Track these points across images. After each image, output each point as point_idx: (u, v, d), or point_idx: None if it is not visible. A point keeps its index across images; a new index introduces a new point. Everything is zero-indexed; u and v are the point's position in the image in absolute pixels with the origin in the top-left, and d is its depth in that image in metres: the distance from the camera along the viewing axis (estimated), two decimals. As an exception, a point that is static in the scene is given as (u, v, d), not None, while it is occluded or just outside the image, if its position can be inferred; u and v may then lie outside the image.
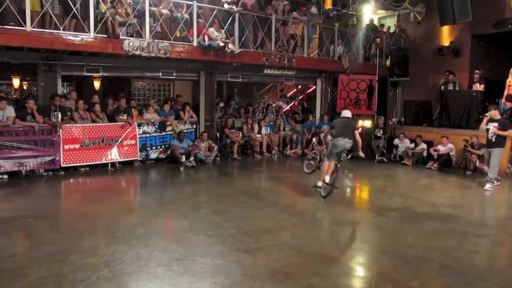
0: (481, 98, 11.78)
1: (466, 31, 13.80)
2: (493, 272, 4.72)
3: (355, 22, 15.17)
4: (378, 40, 14.37)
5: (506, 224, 6.62)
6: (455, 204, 7.60)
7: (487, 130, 8.91)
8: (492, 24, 12.86)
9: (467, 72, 13.44)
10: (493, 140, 8.81)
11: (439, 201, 7.80)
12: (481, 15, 12.69)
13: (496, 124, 8.79)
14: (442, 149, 11.21)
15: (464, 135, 10.97)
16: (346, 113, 8.27)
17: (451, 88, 12.79)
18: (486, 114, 9.07)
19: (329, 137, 7.99)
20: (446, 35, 14.44)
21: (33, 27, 8.76)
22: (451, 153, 11.14)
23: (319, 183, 7.71)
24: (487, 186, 8.81)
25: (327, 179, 7.57)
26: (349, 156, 9.73)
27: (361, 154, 8.42)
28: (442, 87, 12.97)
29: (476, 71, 12.36)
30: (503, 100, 11.31)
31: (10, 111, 8.86)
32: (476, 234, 5.94)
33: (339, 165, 7.70)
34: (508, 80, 11.13)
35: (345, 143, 7.68)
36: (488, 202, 8.33)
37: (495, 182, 8.87)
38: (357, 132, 7.96)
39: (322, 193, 7.65)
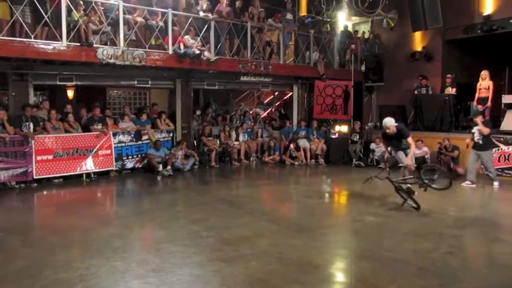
0: (453, 102, 12.05)
1: (437, 36, 14.13)
2: (469, 273, 4.78)
3: (329, 29, 15.36)
4: (353, 46, 14.57)
5: (480, 224, 6.74)
6: (432, 207, 7.70)
7: (473, 134, 9.23)
8: (462, 30, 13.21)
9: (440, 77, 13.73)
10: (480, 142, 9.13)
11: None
12: (452, 20, 13.02)
13: (479, 127, 9.14)
14: (417, 152, 11.36)
15: (438, 138, 11.20)
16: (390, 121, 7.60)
17: (424, 92, 13.03)
18: (475, 119, 9.43)
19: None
20: (418, 41, 14.75)
21: (2, 36, 8.55)
22: (426, 156, 11.31)
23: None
24: (495, 184, 9.26)
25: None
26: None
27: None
28: (416, 91, 13.21)
29: (448, 75, 12.65)
30: (474, 103, 11.62)
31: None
32: (452, 235, 6.03)
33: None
34: (478, 84, 11.45)
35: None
36: (463, 203, 8.46)
37: (469, 182, 9.17)
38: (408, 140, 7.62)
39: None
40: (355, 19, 16.59)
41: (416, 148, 11.29)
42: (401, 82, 14.76)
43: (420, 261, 4.96)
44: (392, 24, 14.70)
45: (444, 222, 6.75)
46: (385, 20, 14.71)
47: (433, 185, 7.20)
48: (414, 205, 7.23)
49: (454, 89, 12.30)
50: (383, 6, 13.14)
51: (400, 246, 5.51)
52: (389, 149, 8.19)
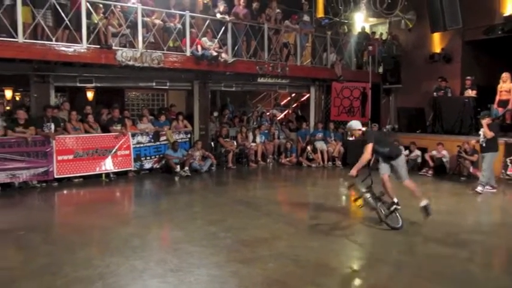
0: (473, 104, 11.86)
1: (456, 38, 13.93)
2: (488, 279, 4.70)
3: (346, 30, 15.29)
4: (370, 47, 14.47)
5: (500, 230, 6.63)
6: (450, 211, 7.61)
7: (479, 135, 9.04)
8: (482, 31, 12.99)
9: (459, 79, 13.53)
10: (484, 144, 8.91)
11: (434, 208, 7.73)
12: (472, 21, 12.82)
13: (484, 129, 8.94)
14: (436, 154, 11.24)
15: (458, 141, 11.03)
16: (356, 124, 6.73)
17: (443, 94, 12.86)
18: (483, 120, 9.18)
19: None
20: (437, 42, 14.56)
21: (25, 39, 8.74)
22: (444, 160, 11.17)
23: (395, 200, 6.41)
24: (478, 188, 8.89)
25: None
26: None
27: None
28: (435, 93, 13.05)
29: (468, 77, 12.45)
30: (495, 106, 11.41)
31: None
32: (471, 240, 5.93)
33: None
34: (499, 86, 11.23)
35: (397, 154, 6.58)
36: (483, 208, 8.34)
37: (489, 187, 8.95)
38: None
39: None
40: (373, 20, 16.46)
41: (436, 151, 11.21)
42: (419, 84, 14.59)
43: (438, 266, 4.90)
44: (411, 25, 14.54)
45: (463, 227, 6.65)
46: (403, 21, 14.56)
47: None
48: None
49: (474, 92, 12.11)
50: (401, 7, 13.04)
51: (418, 250, 5.46)
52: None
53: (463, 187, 9.45)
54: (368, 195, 6.33)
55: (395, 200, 6.32)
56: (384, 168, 6.44)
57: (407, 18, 14.40)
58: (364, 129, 6.62)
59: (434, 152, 11.28)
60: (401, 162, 6.40)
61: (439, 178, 10.78)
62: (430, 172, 11.14)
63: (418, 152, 11.79)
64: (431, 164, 11.18)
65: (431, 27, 13.44)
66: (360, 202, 6.42)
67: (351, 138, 13.12)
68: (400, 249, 5.49)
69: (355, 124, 6.61)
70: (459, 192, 9.15)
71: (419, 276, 4.63)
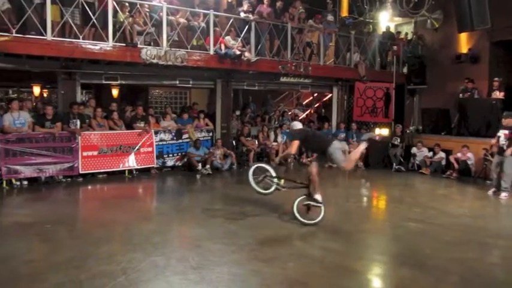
0: (500, 106, 11.56)
1: (484, 38, 13.60)
2: (515, 285, 4.60)
3: (371, 30, 15.10)
4: (395, 47, 14.27)
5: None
6: (475, 215, 7.46)
7: (498, 137, 8.80)
8: (511, 31, 12.65)
9: (487, 80, 13.22)
10: (505, 147, 8.67)
11: (459, 211, 7.66)
12: (500, 21, 12.48)
13: (506, 131, 8.70)
14: (461, 157, 11.02)
15: (484, 143, 10.77)
16: (296, 125, 7.25)
17: (469, 96, 12.60)
18: (503, 123, 8.93)
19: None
20: (464, 42, 14.25)
21: (53, 37, 8.93)
22: (469, 163, 10.94)
23: (318, 198, 6.58)
24: (503, 195, 8.65)
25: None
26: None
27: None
28: (461, 95, 12.79)
29: (496, 79, 12.16)
30: (524, 108, 11.10)
31: (27, 117, 9.04)
32: (498, 245, 5.81)
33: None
34: (528, 88, 10.94)
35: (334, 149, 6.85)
36: (510, 212, 8.14)
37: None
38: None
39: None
40: (398, 20, 16.22)
41: (461, 154, 10.98)
42: (445, 85, 14.31)
43: (464, 270, 4.82)
44: (437, 25, 14.28)
45: (488, 231, 6.50)
46: (429, 21, 14.31)
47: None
48: None
49: (502, 93, 11.83)
50: (428, 7, 12.81)
51: (442, 254, 5.35)
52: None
53: (488, 191, 9.23)
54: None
55: (317, 197, 6.52)
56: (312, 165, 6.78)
57: (434, 18, 14.15)
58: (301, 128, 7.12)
59: (459, 155, 11.06)
60: (332, 150, 6.53)
61: (463, 181, 10.58)
62: (454, 175, 10.93)
63: (442, 154, 11.59)
64: (456, 166, 10.96)
65: (459, 27, 13.15)
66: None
67: (376, 138, 13.01)
68: (424, 253, 5.40)
69: (297, 124, 7.22)
70: (484, 196, 8.96)
71: (444, 280, 4.55)
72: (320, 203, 6.48)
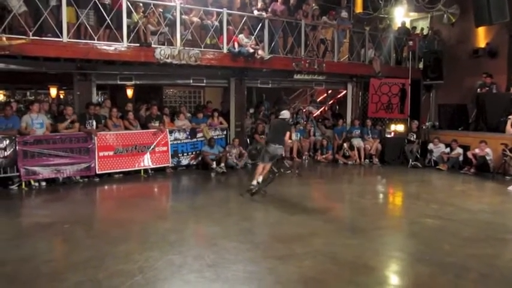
0: (520, 101, 11.35)
1: (503, 32, 13.33)
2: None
3: (386, 25, 14.93)
4: (411, 43, 14.08)
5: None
6: (494, 211, 7.34)
7: None
8: (530, 24, 12.40)
9: (505, 74, 12.96)
10: None
11: (477, 207, 7.54)
12: (519, 15, 12.24)
13: None
14: (478, 153, 10.85)
15: (503, 139, 10.58)
16: (283, 114, 8.39)
17: (488, 91, 12.38)
18: (510, 116, 8.74)
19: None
20: (482, 36, 14.01)
21: (69, 38, 9.04)
22: (488, 158, 10.76)
23: (254, 183, 8.01)
24: None
25: (260, 179, 8.04)
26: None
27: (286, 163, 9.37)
28: (479, 89, 12.57)
29: (515, 73, 11.93)
30: (543, 103, 10.88)
31: (45, 119, 9.19)
32: (518, 242, 5.71)
33: (276, 170, 8.34)
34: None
35: (275, 149, 7.93)
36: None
37: None
38: (286, 137, 8.06)
39: (252, 190, 7.98)
40: (413, 15, 16.00)
41: (478, 149, 10.81)
42: (462, 80, 14.08)
43: (483, 267, 4.73)
44: (453, 20, 14.00)
45: (508, 227, 6.40)
46: (445, 16, 14.05)
47: None
48: None
49: (522, 88, 11.59)
50: (444, 1, 12.61)
51: (461, 250, 5.27)
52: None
53: (507, 186, 9.07)
54: None
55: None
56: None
57: (450, 13, 13.88)
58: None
59: (477, 150, 10.89)
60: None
61: (482, 177, 10.41)
62: (472, 170, 10.76)
63: (459, 150, 11.41)
64: (474, 162, 10.79)
65: (476, 21, 12.91)
66: None
67: (389, 136, 12.89)
68: (442, 249, 5.33)
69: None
70: (503, 192, 8.80)
71: (462, 277, 4.48)
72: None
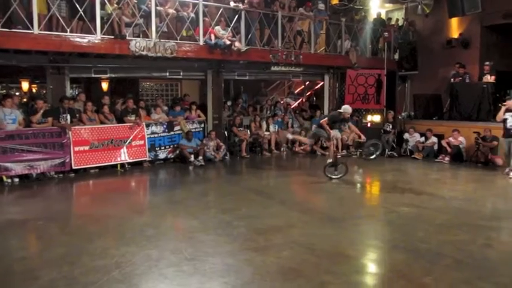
0: (491, 90, 11.61)
1: (475, 22, 13.61)
2: (508, 266, 4.63)
3: (362, 16, 15.04)
4: (386, 34, 14.22)
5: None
6: (467, 198, 7.52)
7: (505, 120, 8.80)
8: (501, 15, 12.66)
9: (477, 64, 13.25)
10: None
11: (451, 194, 7.71)
12: (491, 6, 12.50)
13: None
14: (452, 141, 11.08)
15: (476, 127, 10.85)
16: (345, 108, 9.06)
17: (461, 80, 12.63)
18: (504, 103, 8.93)
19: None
20: (455, 27, 14.26)
21: (40, 30, 8.80)
22: (461, 146, 11.01)
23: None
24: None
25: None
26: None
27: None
28: (452, 79, 12.82)
29: (487, 63, 12.18)
30: (514, 91, 11.15)
31: (18, 114, 8.95)
32: (490, 227, 5.86)
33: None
34: (519, 71, 10.98)
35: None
36: (501, 194, 8.20)
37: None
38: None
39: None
40: (389, 6, 16.18)
41: (452, 138, 11.05)
42: (436, 70, 14.33)
43: (456, 253, 4.84)
44: (428, 11, 14.22)
45: (481, 213, 6.56)
46: (420, 7, 14.24)
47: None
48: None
49: (493, 77, 11.86)
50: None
51: (435, 237, 5.39)
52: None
53: (480, 174, 9.31)
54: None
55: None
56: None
57: (425, 4, 14.08)
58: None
59: (450, 139, 11.12)
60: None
61: (456, 165, 10.66)
62: (447, 159, 11.00)
63: (434, 139, 11.64)
64: (448, 150, 11.03)
65: (449, 12, 13.15)
66: None
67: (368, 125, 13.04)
68: (417, 236, 5.43)
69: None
70: (476, 179, 9.04)
71: (437, 263, 4.57)
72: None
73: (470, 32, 13.86)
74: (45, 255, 4.88)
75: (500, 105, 9.43)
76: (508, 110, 8.78)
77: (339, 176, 8.87)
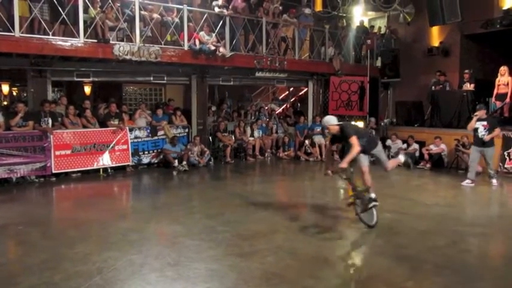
0: (471, 98, 11.84)
1: (455, 31, 13.91)
2: (487, 271, 4.74)
3: (345, 24, 15.24)
4: (369, 41, 14.44)
5: (498, 222, 6.68)
6: (448, 204, 7.63)
7: (476, 129, 9.00)
8: (481, 24, 12.96)
9: (457, 72, 13.51)
10: (484, 138, 8.90)
11: (432, 201, 7.82)
12: (470, 15, 12.78)
13: (484, 123, 8.90)
14: (434, 149, 11.27)
15: (456, 134, 11.04)
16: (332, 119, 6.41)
17: (441, 88, 12.86)
18: (476, 113, 9.14)
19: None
20: (436, 36, 14.54)
21: (22, 33, 8.69)
22: (442, 153, 11.19)
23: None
24: (494, 181, 9.02)
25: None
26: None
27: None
28: (433, 87, 13.04)
29: (466, 71, 12.42)
30: (493, 99, 11.42)
31: (-1, 116, 8.83)
32: (470, 233, 5.96)
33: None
34: (497, 80, 11.24)
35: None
36: (481, 201, 8.36)
37: (470, 182, 9.01)
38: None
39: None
40: (371, 14, 16.42)
41: (434, 145, 11.23)
42: (418, 78, 14.58)
43: (437, 258, 4.91)
44: (409, 19, 14.50)
45: (461, 219, 6.68)
46: (401, 15, 14.52)
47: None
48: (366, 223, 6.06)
49: (472, 85, 12.08)
50: (399, 1, 13.00)
51: (417, 243, 5.45)
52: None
53: (461, 180, 9.46)
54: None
55: (373, 196, 5.90)
56: (365, 160, 6.13)
57: (406, 12, 14.36)
58: (339, 123, 6.17)
59: (432, 146, 11.30)
60: (380, 148, 6.38)
61: (437, 171, 10.81)
62: (428, 165, 11.17)
63: (416, 146, 11.80)
64: (426, 157, 11.21)
65: (430, 20, 13.41)
66: (352, 198, 6.36)
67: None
68: (399, 242, 5.50)
69: (329, 119, 6.27)
70: (457, 186, 9.17)
71: (418, 268, 4.64)
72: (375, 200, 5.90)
73: (450, 40, 14.15)
74: (26, 261, 4.80)
75: (472, 115, 9.66)
76: (479, 120, 8.99)
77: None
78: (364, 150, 6.06)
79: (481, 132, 8.89)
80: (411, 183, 9.74)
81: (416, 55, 14.89)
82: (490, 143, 8.92)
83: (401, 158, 7.08)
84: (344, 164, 5.88)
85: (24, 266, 4.66)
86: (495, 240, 5.95)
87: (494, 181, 9.05)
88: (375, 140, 6.48)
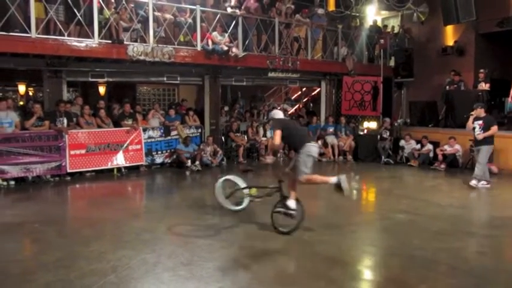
0: (486, 98, 11.69)
1: (470, 30, 13.75)
2: (502, 273, 4.66)
3: (358, 23, 15.16)
4: (382, 41, 14.35)
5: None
6: (462, 205, 7.55)
7: (473, 129, 8.90)
8: (496, 23, 12.80)
9: (472, 72, 13.36)
10: (477, 137, 8.81)
11: (446, 202, 7.74)
12: (485, 14, 12.63)
13: (480, 122, 8.78)
14: (448, 149, 11.15)
15: (470, 135, 10.86)
16: (278, 113, 6.34)
17: (455, 88, 12.71)
18: (472, 113, 9.02)
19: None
20: (450, 35, 14.39)
21: (38, 34, 8.82)
22: (457, 154, 11.07)
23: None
24: (472, 182, 8.82)
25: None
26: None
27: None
28: (447, 87, 12.90)
29: (481, 70, 12.27)
30: (509, 99, 11.24)
31: (14, 116, 8.93)
32: (484, 235, 5.89)
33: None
34: (513, 79, 11.08)
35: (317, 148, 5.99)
36: (495, 202, 8.24)
37: (484, 182, 8.82)
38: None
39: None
40: (384, 13, 16.31)
41: (448, 145, 11.11)
42: (432, 78, 14.44)
43: (452, 260, 4.87)
44: (423, 18, 14.35)
45: (476, 221, 6.60)
46: (415, 14, 14.38)
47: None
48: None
49: (488, 85, 11.94)
50: (413, 0, 12.89)
51: (431, 244, 5.40)
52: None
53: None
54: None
55: (292, 205, 5.67)
56: (303, 165, 5.73)
57: (420, 11, 14.22)
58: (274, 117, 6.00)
59: (446, 146, 11.18)
60: (302, 157, 5.69)
61: (451, 172, 10.69)
62: (442, 166, 11.05)
63: (430, 146, 11.69)
64: (440, 158, 11.09)
65: (444, 20, 13.28)
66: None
67: (362, 133, 13.08)
68: (413, 243, 5.46)
69: (277, 114, 6.14)
70: (472, 186, 9.05)
71: (433, 269, 4.60)
72: (293, 209, 5.61)
73: (465, 39, 13.99)
74: (41, 258, 4.87)
75: (465, 115, 9.50)
76: (477, 119, 8.87)
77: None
78: (295, 148, 5.75)
79: (477, 131, 8.80)
80: (425, 184, 9.66)
81: (430, 54, 14.75)
82: (483, 142, 8.75)
83: (338, 179, 5.97)
84: (268, 160, 6.22)
85: (39, 264, 4.73)
86: (510, 242, 5.86)
87: (473, 182, 8.82)
88: (305, 139, 5.83)
